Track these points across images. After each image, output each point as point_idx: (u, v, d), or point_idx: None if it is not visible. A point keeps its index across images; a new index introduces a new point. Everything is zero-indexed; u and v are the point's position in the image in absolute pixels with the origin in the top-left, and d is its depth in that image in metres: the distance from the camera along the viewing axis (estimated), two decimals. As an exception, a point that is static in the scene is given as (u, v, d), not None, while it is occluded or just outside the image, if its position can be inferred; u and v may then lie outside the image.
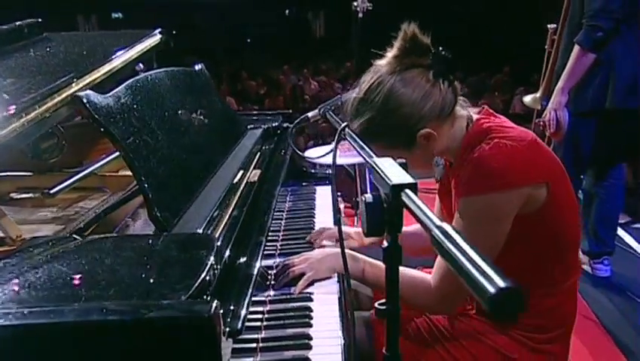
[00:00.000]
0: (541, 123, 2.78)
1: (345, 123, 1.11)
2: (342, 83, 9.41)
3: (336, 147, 1.06)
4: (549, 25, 3.34)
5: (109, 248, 0.88)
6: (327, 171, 2.31)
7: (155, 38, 2.03)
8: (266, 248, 1.56)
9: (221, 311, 0.69)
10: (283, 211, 1.88)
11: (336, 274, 1.41)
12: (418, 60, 1.20)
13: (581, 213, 3.14)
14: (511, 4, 10.45)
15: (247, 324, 1.19)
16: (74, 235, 1.00)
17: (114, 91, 1.11)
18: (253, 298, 1.27)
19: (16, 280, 0.78)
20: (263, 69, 10.41)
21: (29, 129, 1.18)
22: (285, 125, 2.16)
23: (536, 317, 1.27)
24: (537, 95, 3.20)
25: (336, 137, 1.09)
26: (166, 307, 0.66)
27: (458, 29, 10.62)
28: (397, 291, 0.69)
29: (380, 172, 0.67)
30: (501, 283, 0.36)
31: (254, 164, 1.57)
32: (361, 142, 0.99)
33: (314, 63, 10.66)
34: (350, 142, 1.02)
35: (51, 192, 1.37)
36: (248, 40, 14.23)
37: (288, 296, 1.31)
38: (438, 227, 0.48)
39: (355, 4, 3.60)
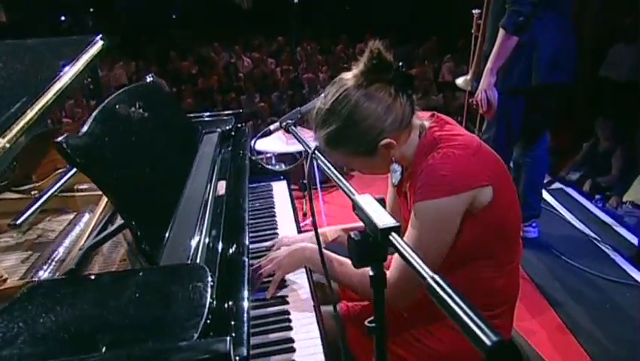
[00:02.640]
0: (474, 103, 2.99)
1: (315, 146, 1.20)
2: (275, 59, 9.36)
3: (309, 169, 1.15)
4: (473, 11, 3.54)
5: (109, 287, 0.93)
6: (280, 167, 2.39)
7: (98, 45, 2.00)
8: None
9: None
10: (251, 210, 1.95)
11: (304, 275, 1.52)
12: (381, 76, 1.31)
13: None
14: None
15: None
16: (69, 276, 1.03)
17: (86, 128, 1.12)
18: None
19: (26, 332, 0.82)
20: (192, 47, 10.10)
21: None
22: (239, 125, 2.21)
23: (485, 296, 1.44)
24: (468, 77, 3.41)
25: (309, 159, 1.17)
26: (185, 349, 0.74)
27: (388, 1, 10.79)
28: (384, 311, 0.80)
29: (365, 212, 0.77)
30: (494, 338, 0.47)
31: (217, 175, 1.62)
32: (327, 162, 1.08)
33: (245, 39, 10.47)
34: (321, 164, 1.11)
35: (17, 222, 1.37)
36: (173, 17, 13.67)
37: (264, 302, 1.40)
38: (432, 277, 0.59)
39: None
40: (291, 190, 2.23)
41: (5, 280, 1.16)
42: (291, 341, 1.27)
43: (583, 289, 2.90)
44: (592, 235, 3.50)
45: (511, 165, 3.41)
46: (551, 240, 3.40)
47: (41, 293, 0.91)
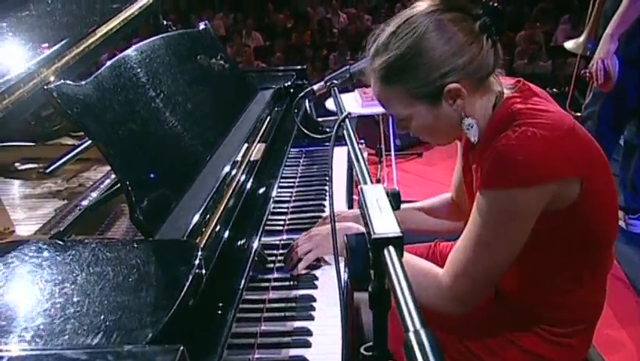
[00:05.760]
0: (587, 74, 2.56)
1: (347, 112, 0.99)
2: (373, 15, 8.94)
3: (334, 139, 0.95)
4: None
5: (85, 259, 0.82)
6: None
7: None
8: (273, 223, 1.50)
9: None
10: (295, 178, 1.80)
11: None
12: (466, 5, 1.06)
13: (621, 166, 2.96)
14: None
15: (247, 315, 1.16)
16: (55, 240, 0.94)
17: (95, 75, 1.01)
18: (255, 284, 1.24)
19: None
20: (289, 0, 9.96)
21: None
22: (300, 82, 2.03)
23: (558, 311, 1.18)
24: (581, 39, 2.93)
25: (336, 127, 0.97)
26: (125, 356, 0.60)
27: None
28: (386, 337, 0.61)
29: (366, 210, 0.57)
30: None
31: (259, 136, 1.46)
32: (352, 132, 0.86)
33: (343, -8, 10.12)
34: (346, 137, 0.91)
35: (47, 171, 1.32)
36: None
37: (291, 283, 1.25)
38: (415, 331, 0.39)
39: None
40: (332, 186, 2.03)
41: (12, 232, 1.10)
42: (309, 333, 1.11)
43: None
44: None
45: (621, 144, 2.95)
46: (662, 239, 2.92)
47: (13, 255, 0.82)
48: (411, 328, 0.40)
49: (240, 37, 8.12)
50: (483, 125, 1.12)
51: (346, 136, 0.88)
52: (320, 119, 2.31)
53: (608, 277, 1.23)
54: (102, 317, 0.70)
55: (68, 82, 0.92)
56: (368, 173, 0.73)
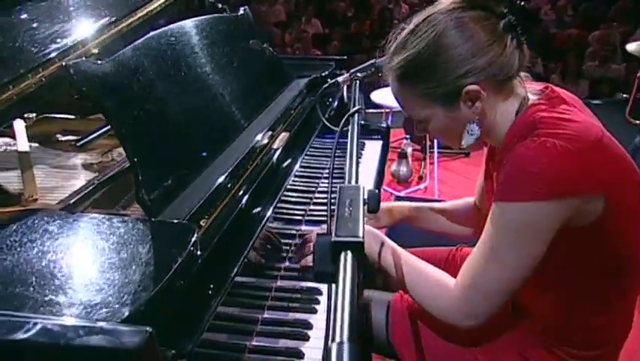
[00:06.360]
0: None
1: (359, 107, 0.96)
2: (436, 7, 8.71)
3: (340, 132, 0.92)
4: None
5: (83, 233, 0.85)
6: (382, 124, 2.16)
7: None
8: (293, 212, 1.50)
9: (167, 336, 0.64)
10: (324, 169, 1.78)
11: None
12: (489, 3, 1.01)
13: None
14: None
15: (252, 301, 1.17)
16: (64, 211, 0.98)
17: (116, 55, 1.03)
18: (265, 272, 1.24)
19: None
20: (353, -12, 9.85)
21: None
22: (336, 72, 2.01)
23: (582, 333, 1.11)
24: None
25: (343, 121, 0.94)
26: (96, 331, 0.62)
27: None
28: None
29: (336, 212, 0.55)
30: None
31: (284, 124, 1.46)
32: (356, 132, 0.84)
33: (408, -18, 9.90)
34: (349, 132, 0.88)
35: (78, 144, 1.38)
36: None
37: (298, 274, 1.24)
38: (339, 343, 0.37)
39: None
40: (385, 152, 2.00)
41: (35, 200, 1.16)
42: (309, 326, 1.11)
43: None
44: None
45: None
46: None
47: (17, 224, 0.86)
48: (337, 338, 0.39)
49: (300, 24, 8.13)
50: (504, 131, 1.06)
51: (349, 131, 0.85)
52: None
53: (637, 299, 1.15)
54: (86, 292, 0.72)
55: (88, 59, 0.95)
56: (357, 171, 0.70)
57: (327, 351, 0.38)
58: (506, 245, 0.99)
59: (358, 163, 0.74)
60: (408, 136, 3.66)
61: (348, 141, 0.84)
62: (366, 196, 0.57)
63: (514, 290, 1.04)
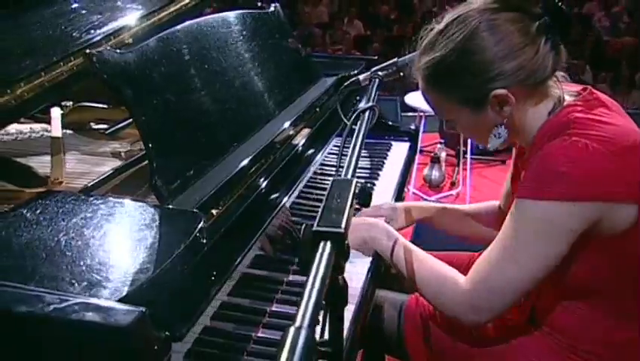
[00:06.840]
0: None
1: (371, 104, 0.96)
2: (482, 12, 8.54)
3: (349, 128, 0.91)
4: None
5: (97, 215, 0.88)
6: (410, 127, 2.13)
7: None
8: (313, 209, 1.50)
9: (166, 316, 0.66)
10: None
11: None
12: (523, 3, 0.98)
13: None
14: None
15: (262, 293, 1.18)
16: (80, 194, 1.02)
17: (140, 45, 1.07)
18: (278, 265, 1.25)
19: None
20: (397, -9, 9.79)
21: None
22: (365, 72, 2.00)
23: (601, 348, 1.07)
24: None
25: (353, 117, 0.94)
26: (92, 308, 0.64)
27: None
28: (341, 333, 0.59)
29: (324, 203, 0.55)
30: None
31: (305, 121, 1.47)
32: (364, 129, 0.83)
33: (455, -13, 9.76)
34: (357, 128, 0.88)
35: (106, 132, 1.43)
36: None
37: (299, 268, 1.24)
38: (298, 327, 0.38)
39: None
40: (411, 155, 1.97)
41: (60, 182, 1.21)
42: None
43: None
44: None
45: None
46: None
47: (34, 203, 0.90)
48: (297, 322, 0.39)
49: (341, 25, 8.15)
50: (535, 132, 1.03)
51: (357, 128, 0.85)
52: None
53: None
54: (90, 270, 0.74)
55: (111, 49, 0.99)
56: (355, 166, 0.70)
57: (284, 334, 0.38)
58: (523, 244, 0.96)
59: (358, 158, 0.73)
60: (443, 141, 3.61)
61: (354, 136, 0.84)
62: (357, 190, 0.57)
63: (524, 291, 1.01)
